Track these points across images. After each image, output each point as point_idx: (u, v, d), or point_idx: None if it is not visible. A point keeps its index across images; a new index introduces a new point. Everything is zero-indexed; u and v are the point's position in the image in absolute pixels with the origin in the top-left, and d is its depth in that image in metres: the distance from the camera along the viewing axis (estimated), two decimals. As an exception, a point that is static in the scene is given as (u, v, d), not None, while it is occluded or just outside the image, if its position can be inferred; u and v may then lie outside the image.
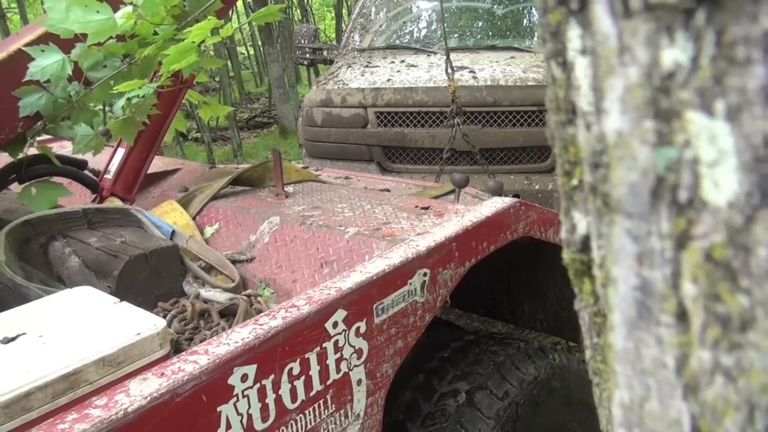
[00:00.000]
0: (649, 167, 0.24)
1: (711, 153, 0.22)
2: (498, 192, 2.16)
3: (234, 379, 1.14)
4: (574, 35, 0.27)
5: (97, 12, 2.06)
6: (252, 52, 22.97)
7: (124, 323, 1.19)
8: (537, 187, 4.30)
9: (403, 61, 4.82)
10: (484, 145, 4.17)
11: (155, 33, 2.14)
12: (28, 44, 2.01)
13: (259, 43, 17.02)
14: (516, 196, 2.26)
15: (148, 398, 1.02)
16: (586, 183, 0.30)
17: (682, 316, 0.24)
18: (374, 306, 1.43)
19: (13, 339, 1.14)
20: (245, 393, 1.17)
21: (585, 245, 0.35)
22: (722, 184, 0.22)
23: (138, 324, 1.18)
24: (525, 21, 5.57)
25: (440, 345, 1.98)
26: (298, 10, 17.82)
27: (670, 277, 0.25)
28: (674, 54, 0.23)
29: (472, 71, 4.40)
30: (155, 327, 1.17)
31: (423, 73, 4.53)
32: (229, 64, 15.46)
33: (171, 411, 1.05)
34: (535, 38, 5.16)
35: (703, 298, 0.23)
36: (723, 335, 0.23)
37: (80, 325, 1.20)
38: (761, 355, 0.22)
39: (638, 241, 0.26)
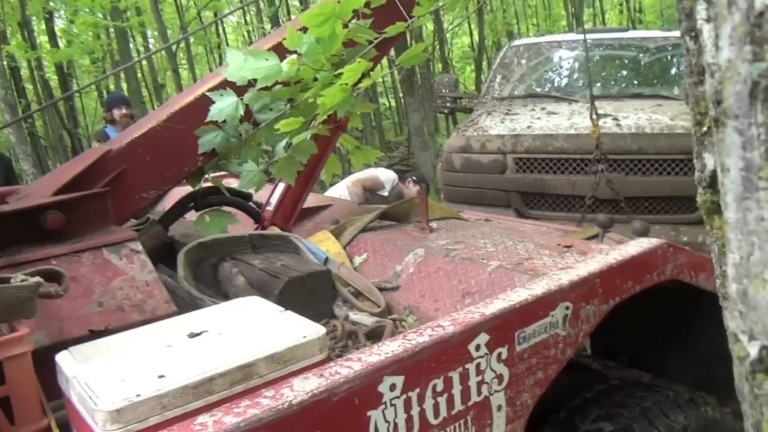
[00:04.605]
0: (747, 77, 0.34)
1: None
2: (644, 234, 2.12)
3: (383, 387, 1.23)
4: (701, 9, 0.37)
5: (266, 60, 2.31)
6: (393, 103, 23.84)
7: (290, 328, 1.33)
8: (685, 239, 4.10)
9: (543, 109, 4.85)
10: (627, 193, 4.07)
11: (315, 79, 2.35)
12: (210, 89, 2.29)
13: (401, 94, 17.65)
14: None
15: (310, 394, 1.13)
16: (711, 119, 0.38)
17: None
18: (516, 333, 1.46)
19: (197, 335, 1.31)
20: (393, 402, 1.25)
21: (713, 180, 0.42)
22: None
23: (302, 329, 1.31)
24: (673, 69, 5.42)
25: (584, 386, 1.95)
26: (440, 64, 18.34)
27: (765, 153, 0.34)
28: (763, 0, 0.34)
29: (615, 119, 4.34)
30: (317, 333, 1.30)
31: (564, 120, 4.53)
32: (372, 113, 16.16)
33: (328, 409, 1.15)
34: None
35: None
36: None
37: (252, 327, 1.35)
38: None
39: (742, 133, 0.36)
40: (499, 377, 1.44)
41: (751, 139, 0.36)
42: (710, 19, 0.39)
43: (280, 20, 14.11)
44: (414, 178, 5.57)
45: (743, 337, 0.36)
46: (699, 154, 0.47)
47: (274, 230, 2.44)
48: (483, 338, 1.40)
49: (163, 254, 2.26)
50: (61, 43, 15.27)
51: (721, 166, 0.39)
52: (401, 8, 2.30)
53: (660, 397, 1.84)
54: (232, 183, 2.79)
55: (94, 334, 1.52)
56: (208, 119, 2.27)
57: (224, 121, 2.32)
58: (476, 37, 19.03)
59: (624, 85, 5.43)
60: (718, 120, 0.39)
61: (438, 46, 17.32)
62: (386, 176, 5.50)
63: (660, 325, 2.32)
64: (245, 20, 19.89)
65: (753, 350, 0.36)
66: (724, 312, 0.41)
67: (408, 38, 10.97)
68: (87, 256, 1.76)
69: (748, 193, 0.37)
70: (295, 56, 2.29)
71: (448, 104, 6.25)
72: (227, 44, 18.74)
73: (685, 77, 0.46)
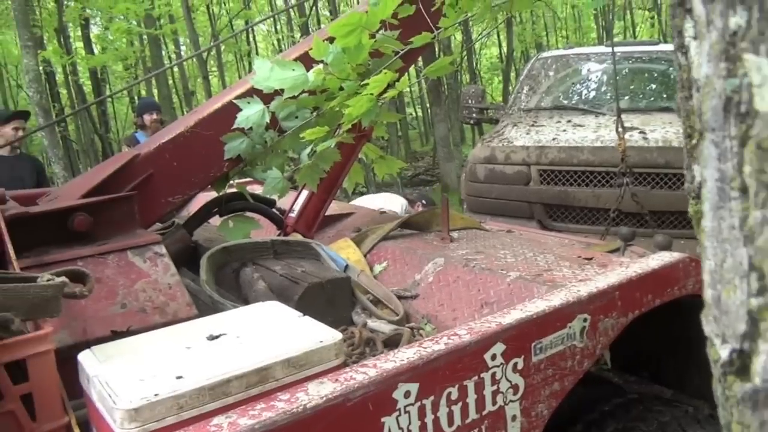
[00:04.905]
0: (722, 92, 0.38)
1: (758, 78, 0.36)
2: (667, 248, 2.10)
3: (398, 394, 1.24)
4: (688, 27, 0.40)
5: (293, 70, 2.34)
6: (420, 113, 23.88)
7: (307, 333, 1.35)
8: (712, 254, 4.04)
9: (569, 121, 4.83)
10: (652, 207, 4.02)
11: (341, 88, 2.37)
12: (237, 97, 2.33)
13: (427, 104, 17.69)
14: None
15: (324, 399, 1.14)
16: (698, 131, 0.40)
17: (744, 189, 0.37)
18: (532, 344, 1.46)
19: (216, 337, 1.33)
20: (407, 409, 1.26)
21: (701, 191, 0.43)
22: (766, 97, 0.35)
23: (319, 334, 1.33)
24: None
25: (602, 400, 1.94)
26: (467, 75, 18.34)
27: (737, 164, 0.38)
28: (736, 20, 0.37)
29: (642, 132, 4.30)
30: (333, 338, 1.31)
31: (590, 132, 4.50)
32: (398, 123, 16.21)
33: (342, 414, 1.16)
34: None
35: (756, 173, 0.36)
36: None
37: (270, 331, 1.37)
38: None
39: (718, 145, 0.39)
40: (515, 387, 1.44)
41: (725, 151, 0.39)
42: (696, 37, 0.41)
43: (310, 29, 14.26)
44: (423, 201, 5.56)
45: (717, 341, 0.39)
46: (689, 166, 0.48)
47: (296, 237, 2.47)
48: (499, 348, 1.40)
49: (187, 258, 2.30)
50: (96, 49, 15.61)
51: (701, 176, 0.41)
52: (428, 19, 2.31)
53: (679, 413, 1.82)
54: (257, 189, 2.83)
55: (117, 335, 1.56)
56: (235, 126, 2.31)
57: (250, 128, 2.36)
58: (505, 49, 19.00)
59: (652, 98, 5.38)
60: (701, 133, 0.40)
61: (466, 57, 17.33)
62: (396, 203, 5.46)
63: (681, 340, 2.30)
64: (275, 29, 20.13)
65: (724, 353, 0.40)
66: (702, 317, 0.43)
67: (436, 49, 11.00)
68: (112, 258, 1.80)
69: (722, 203, 0.40)
70: (321, 66, 2.32)
71: (474, 115, 6.24)
72: (257, 52, 18.99)
73: (678, 92, 0.47)
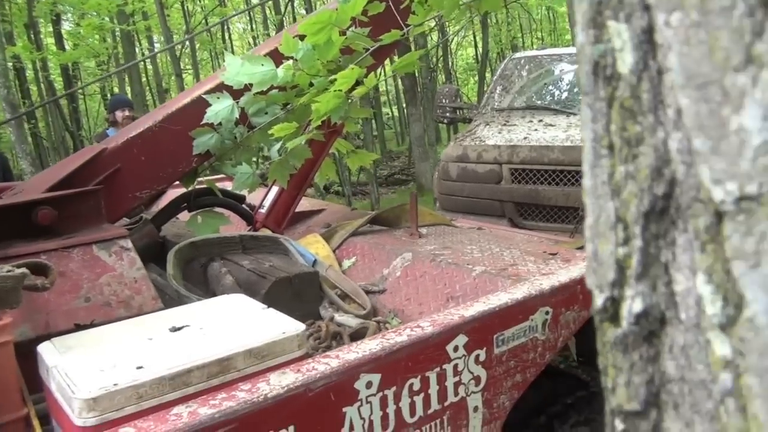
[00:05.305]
0: (591, 58, 0.41)
1: (619, 43, 0.39)
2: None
3: (360, 384, 1.25)
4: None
5: (262, 65, 2.34)
6: (396, 113, 23.91)
7: (270, 324, 1.35)
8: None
9: (541, 121, 4.88)
10: (621, 205, 4.09)
11: (311, 84, 2.38)
12: (207, 92, 2.32)
13: (403, 104, 17.71)
14: None
15: (285, 389, 1.15)
16: None
17: (611, 147, 0.41)
18: (495, 336, 1.49)
19: (179, 329, 1.33)
20: (368, 399, 1.27)
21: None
22: (626, 60, 0.39)
23: (282, 326, 1.34)
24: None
25: (566, 393, 1.98)
26: (443, 75, 18.41)
27: (605, 123, 0.41)
28: None
29: (612, 132, 4.37)
30: (296, 330, 1.32)
31: (560, 132, 4.55)
32: (373, 123, 16.22)
33: (303, 403, 1.17)
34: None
35: (619, 131, 0.40)
36: (629, 152, 0.39)
37: (233, 322, 1.38)
38: (646, 159, 0.38)
39: (591, 107, 0.42)
40: (477, 379, 1.46)
41: (597, 113, 0.42)
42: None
43: (286, 27, 14.17)
44: None
45: (596, 291, 0.42)
46: None
47: (265, 232, 2.47)
48: (461, 339, 1.42)
49: (154, 253, 2.28)
50: (68, 45, 15.37)
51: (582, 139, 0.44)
52: (397, 17, 2.33)
53: (640, 405, 1.86)
54: (228, 185, 2.82)
55: (80, 329, 1.55)
56: (204, 121, 2.30)
57: (220, 124, 2.35)
58: (481, 49, 19.10)
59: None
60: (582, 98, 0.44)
61: (442, 57, 17.39)
62: None
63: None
64: (251, 27, 20.00)
65: (599, 301, 0.43)
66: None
67: (413, 49, 11.03)
68: (77, 252, 1.79)
69: (596, 161, 0.42)
70: (291, 62, 2.32)
71: (447, 114, 6.27)
72: (232, 51, 18.84)
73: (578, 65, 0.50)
